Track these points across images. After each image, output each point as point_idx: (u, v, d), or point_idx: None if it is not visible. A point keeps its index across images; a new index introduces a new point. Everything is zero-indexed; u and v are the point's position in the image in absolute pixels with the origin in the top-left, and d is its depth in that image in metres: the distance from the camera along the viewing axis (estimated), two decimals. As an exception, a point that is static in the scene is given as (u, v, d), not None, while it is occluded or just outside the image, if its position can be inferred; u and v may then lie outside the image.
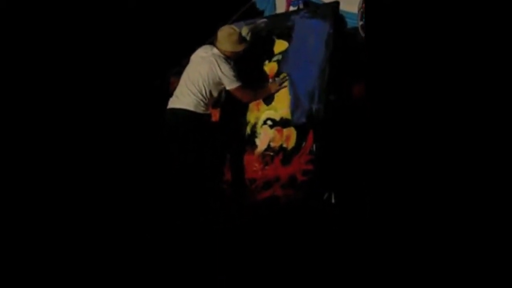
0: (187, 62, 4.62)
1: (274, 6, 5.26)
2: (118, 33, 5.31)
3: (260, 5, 5.31)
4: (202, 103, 4.43)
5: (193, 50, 4.62)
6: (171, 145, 4.52)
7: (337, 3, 4.43)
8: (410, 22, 3.21)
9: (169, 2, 5.42)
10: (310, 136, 4.24)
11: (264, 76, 4.64)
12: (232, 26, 4.57)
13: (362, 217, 3.56)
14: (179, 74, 4.67)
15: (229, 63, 4.42)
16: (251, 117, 4.66)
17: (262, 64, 4.69)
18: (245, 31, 4.79)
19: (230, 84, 4.42)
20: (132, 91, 5.37)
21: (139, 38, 5.39)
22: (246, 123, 4.67)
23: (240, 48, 4.47)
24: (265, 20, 4.92)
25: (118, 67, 5.31)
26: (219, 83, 4.44)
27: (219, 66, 4.38)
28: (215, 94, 4.49)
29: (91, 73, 5.22)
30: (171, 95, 4.60)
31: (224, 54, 4.45)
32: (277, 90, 4.53)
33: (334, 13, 4.41)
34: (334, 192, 4.19)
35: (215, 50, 4.45)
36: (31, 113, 4.92)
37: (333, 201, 4.19)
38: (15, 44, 4.93)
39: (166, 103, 4.57)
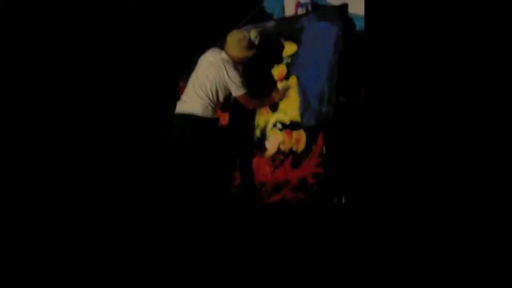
0: (195, 65, 4.62)
1: (282, 9, 5.27)
2: (128, 37, 5.32)
3: (268, 8, 5.32)
4: (209, 108, 4.42)
5: (201, 53, 4.62)
6: (179, 150, 4.52)
7: (346, 6, 4.42)
8: (410, 21, 3.20)
9: (178, 5, 5.43)
10: (320, 138, 4.23)
11: (272, 81, 4.64)
12: (242, 31, 4.56)
13: (370, 219, 3.55)
14: (188, 79, 4.67)
15: (237, 69, 4.42)
16: (260, 120, 4.66)
17: (270, 69, 4.69)
18: (253, 34, 4.79)
19: (237, 90, 4.41)
20: (141, 95, 5.38)
21: (148, 41, 5.40)
22: (255, 126, 4.67)
23: (249, 54, 4.45)
24: (273, 23, 4.92)
25: (127, 71, 5.32)
26: (226, 88, 4.44)
27: (227, 71, 4.37)
28: (222, 98, 4.48)
29: (100, 78, 5.23)
30: (179, 99, 4.60)
31: (233, 59, 4.43)
32: (281, 99, 4.53)
33: (342, 16, 4.40)
34: (344, 194, 4.18)
35: (224, 55, 4.44)
36: (38, 113, 4.92)
37: (343, 203, 4.17)
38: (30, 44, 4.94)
39: (174, 108, 4.57)
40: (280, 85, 4.56)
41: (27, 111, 4.87)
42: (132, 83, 5.37)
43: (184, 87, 4.69)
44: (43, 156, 4.84)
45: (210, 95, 4.41)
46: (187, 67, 4.88)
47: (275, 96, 4.54)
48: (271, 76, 4.66)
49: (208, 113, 4.43)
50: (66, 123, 5.03)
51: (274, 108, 4.60)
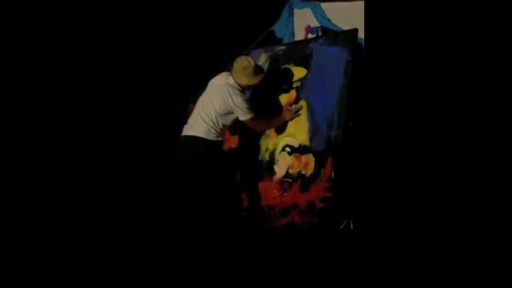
0: (204, 88, 4.64)
1: (292, 33, 5.30)
2: (139, 58, 5.37)
3: (278, 33, 5.35)
4: (213, 131, 4.42)
5: (211, 76, 4.64)
6: (184, 171, 4.53)
7: (356, 31, 4.45)
8: (411, 29, 3.21)
9: (188, 29, 5.47)
10: (329, 163, 4.23)
11: (278, 106, 4.67)
12: (248, 58, 4.51)
13: (379, 244, 3.53)
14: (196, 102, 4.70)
15: (242, 95, 4.41)
16: (269, 143, 4.67)
17: (278, 94, 4.71)
18: (263, 58, 4.81)
19: (243, 115, 4.41)
20: (152, 119, 5.42)
21: (159, 64, 5.44)
22: (264, 150, 4.68)
23: (254, 81, 4.44)
24: (283, 47, 4.95)
25: (139, 93, 5.36)
26: (231, 113, 4.43)
27: (231, 97, 4.37)
28: (227, 123, 4.48)
29: (111, 96, 5.27)
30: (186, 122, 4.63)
31: (239, 85, 4.45)
32: (292, 118, 4.55)
33: (352, 41, 4.43)
34: (352, 219, 4.17)
35: (231, 80, 4.44)
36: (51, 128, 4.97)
37: (351, 228, 4.16)
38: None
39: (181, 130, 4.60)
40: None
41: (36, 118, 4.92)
42: (142, 105, 5.40)
43: (193, 109, 4.71)
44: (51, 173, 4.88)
45: (214, 119, 4.42)
46: (196, 90, 4.91)
47: (286, 115, 4.56)
48: (278, 101, 4.69)
49: (211, 136, 4.43)
50: (78, 138, 5.08)
51: (280, 131, 4.62)
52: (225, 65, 4.75)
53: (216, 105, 4.41)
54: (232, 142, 4.86)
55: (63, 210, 4.73)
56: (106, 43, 5.23)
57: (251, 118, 4.43)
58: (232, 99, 4.36)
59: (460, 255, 3.04)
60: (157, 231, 4.59)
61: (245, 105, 4.38)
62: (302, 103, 4.53)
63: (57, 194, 4.80)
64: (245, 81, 4.41)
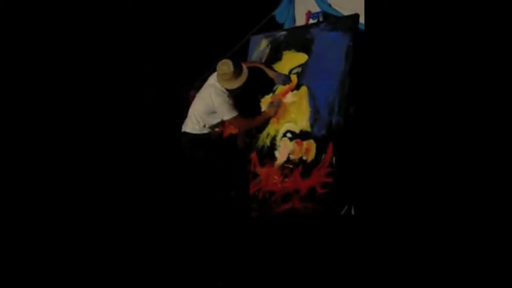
0: (205, 79, 4.66)
1: (293, 19, 5.28)
2: (143, 45, 5.37)
3: (279, 18, 5.33)
4: (196, 127, 4.54)
5: (211, 63, 4.65)
6: (184, 167, 4.70)
7: (357, 16, 4.42)
8: (411, 24, 3.21)
9: (188, 15, 5.46)
10: (330, 148, 4.23)
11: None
12: (228, 61, 4.40)
13: (380, 230, 3.54)
14: (198, 88, 4.70)
15: (223, 96, 4.42)
16: (270, 129, 4.66)
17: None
18: (264, 43, 4.79)
19: (226, 115, 4.44)
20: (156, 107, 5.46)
21: (161, 52, 5.45)
22: (265, 135, 4.69)
23: (236, 85, 4.42)
24: (284, 33, 4.93)
25: (143, 81, 5.38)
26: (215, 112, 4.48)
27: (212, 98, 4.43)
28: (212, 122, 4.55)
29: (116, 90, 5.29)
30: (187, 107, 4.70)
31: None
32: (276, 112, 4.59)
33: (354, 26, 4.40)
34: (353, 205, 4.17)
35: (216, 81, 4.49)
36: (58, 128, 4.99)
37: (352, 214, 4.16)
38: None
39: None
40: (290, 95, 4.58)
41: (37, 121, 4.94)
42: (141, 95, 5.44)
43: (194, 95, 4.73)
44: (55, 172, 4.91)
45: (199, 118, 4.52)
46: (197, 77, 4.91)
47: (270, 111, 4.61)
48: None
49: (196, 130, 4.55)
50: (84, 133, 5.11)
51: (282, 116, 4.64)
52: (226, 51, 4.75)
53: (202, 105, 4.50)
54: (233, 128, 4.85)
55: (60, 203, 4.76)
56: (106, 24, 5.25)
57: (233, 117, 4.45)
58: (213, 100, 4.42)
59: (460, 250, 3.05)
60: (157, 221, 4.62)
61: (227, 105, 4.41)
62: (303, 89, 4.52)
63: (53, 184, 4.83)
64: (225, 85, 4.43)
